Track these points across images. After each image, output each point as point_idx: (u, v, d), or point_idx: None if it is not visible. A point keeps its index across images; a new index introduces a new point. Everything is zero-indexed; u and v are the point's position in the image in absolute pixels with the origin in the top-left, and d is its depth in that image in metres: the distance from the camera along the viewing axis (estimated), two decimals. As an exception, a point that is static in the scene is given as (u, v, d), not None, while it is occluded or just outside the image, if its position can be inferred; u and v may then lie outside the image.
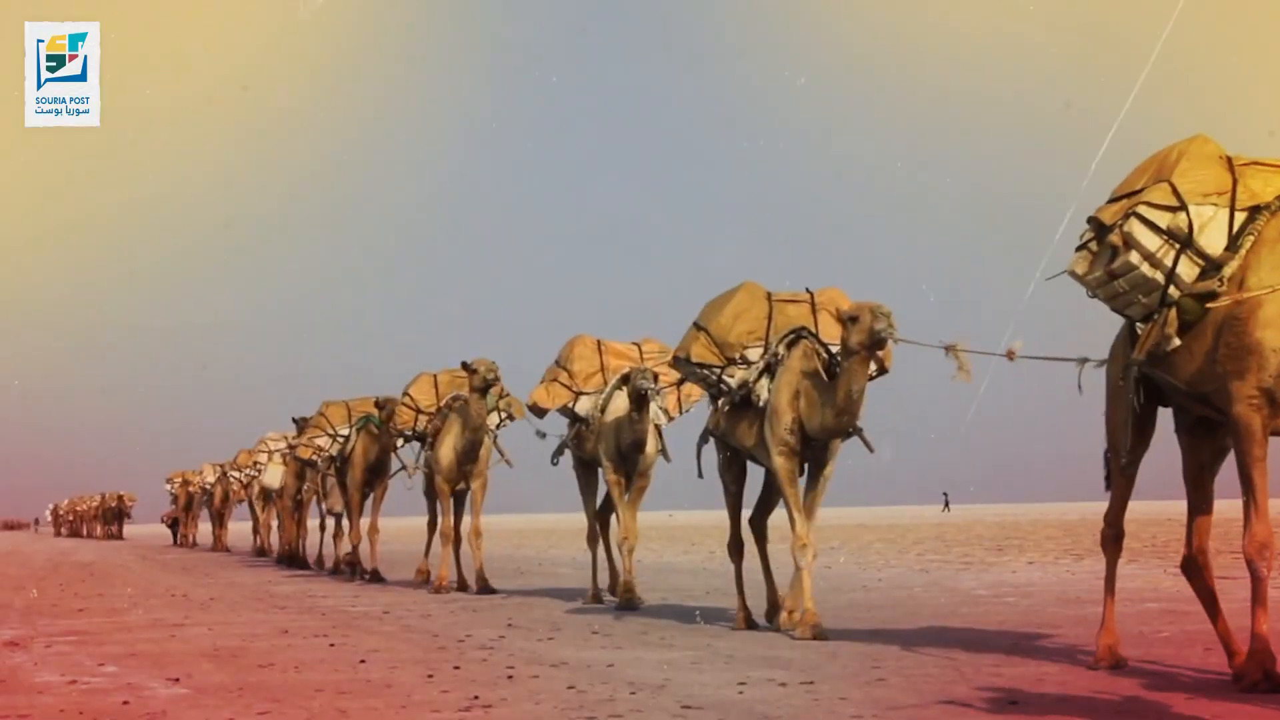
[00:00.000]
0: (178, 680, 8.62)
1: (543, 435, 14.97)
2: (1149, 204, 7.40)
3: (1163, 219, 7.38)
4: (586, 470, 14.75)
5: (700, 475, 11.53)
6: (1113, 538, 8.54)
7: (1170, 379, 7.49)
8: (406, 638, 11.06)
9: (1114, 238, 7.45)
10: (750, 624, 11.09)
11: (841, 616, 11.28)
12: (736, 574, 11.38)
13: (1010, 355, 8.63)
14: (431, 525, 18.38)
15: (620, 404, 13.75)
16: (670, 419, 14.06)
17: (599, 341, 14.49)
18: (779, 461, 10.39)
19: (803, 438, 10.34)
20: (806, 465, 10.59)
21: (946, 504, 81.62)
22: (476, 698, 7.50)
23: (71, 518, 69.83)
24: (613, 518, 14.65)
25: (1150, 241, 7.38)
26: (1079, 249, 7.78)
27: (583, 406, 14.22)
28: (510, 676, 8.39)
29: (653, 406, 13.60)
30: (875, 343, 9.68)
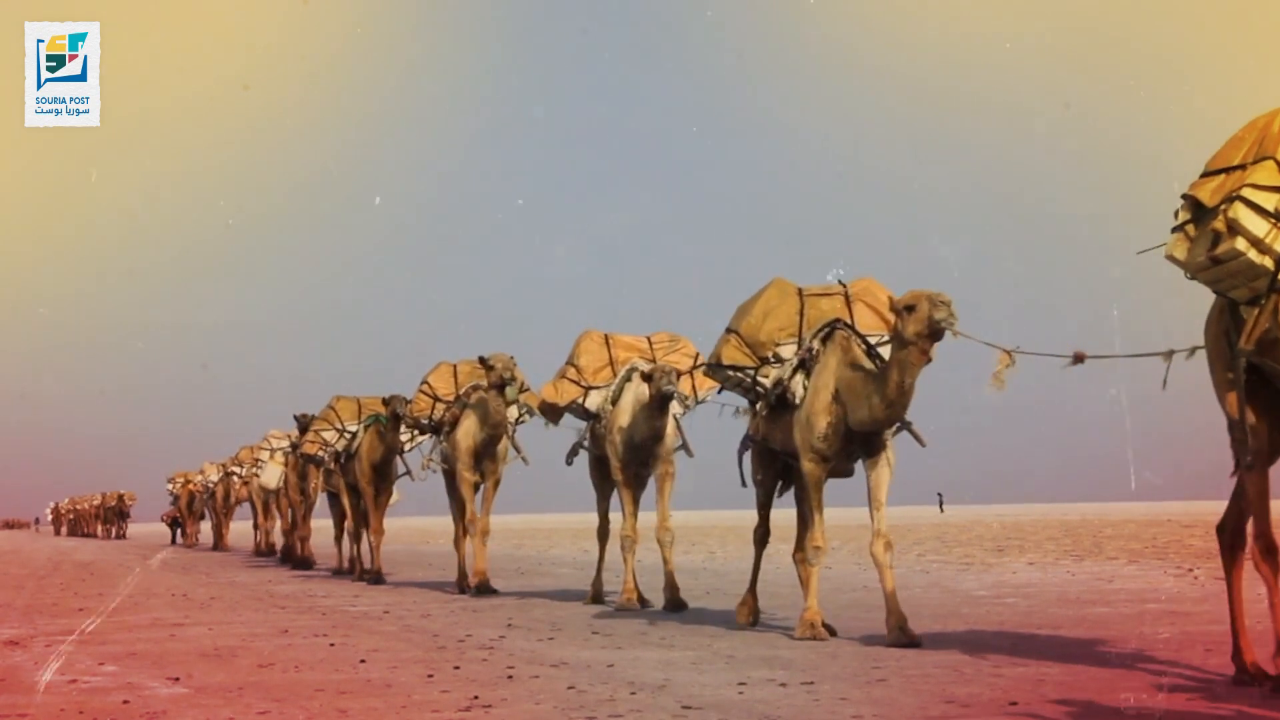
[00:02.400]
0: (178, 680, 8.62)
1: (554, 424, 14.36)
2: (1254, 185, 6.89)
3: (1270, 200, 6.88)
4: (602, 467, 14.23)
5: (744, 485, 11.22)
6: (1265, 549, 7.36)
7: (1275, 365, 6.98)
8: (406, 638, 11.05)
9: (1217, 224, 6.94)
10: (754, 619, 11.02)
11: (842, 616, 11.27)
12: (755, 562, 11.29)
13: (1079, 358, 8.29)
14: (458, 543, 17.37)
15: (631, 399, 13.43)
16: (687, 409, 13.67)
17: (607, 335, 14.17)
18: (808, 467, 10.08)
19: (846, 434, 9.93)
20: (861, 453, 10.12)
21: (941, 504, 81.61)
22: (476, 698, 7.50)
23: (71, 517, 69.86)
24: (619, 519, 14.20)
25: (1257, 226, 6.85)
26: (1175, 230, 7.25)
27: (593, 401, 13.88)
28: (510, 676, 8.38)
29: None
30: (933, 333, 9.18)
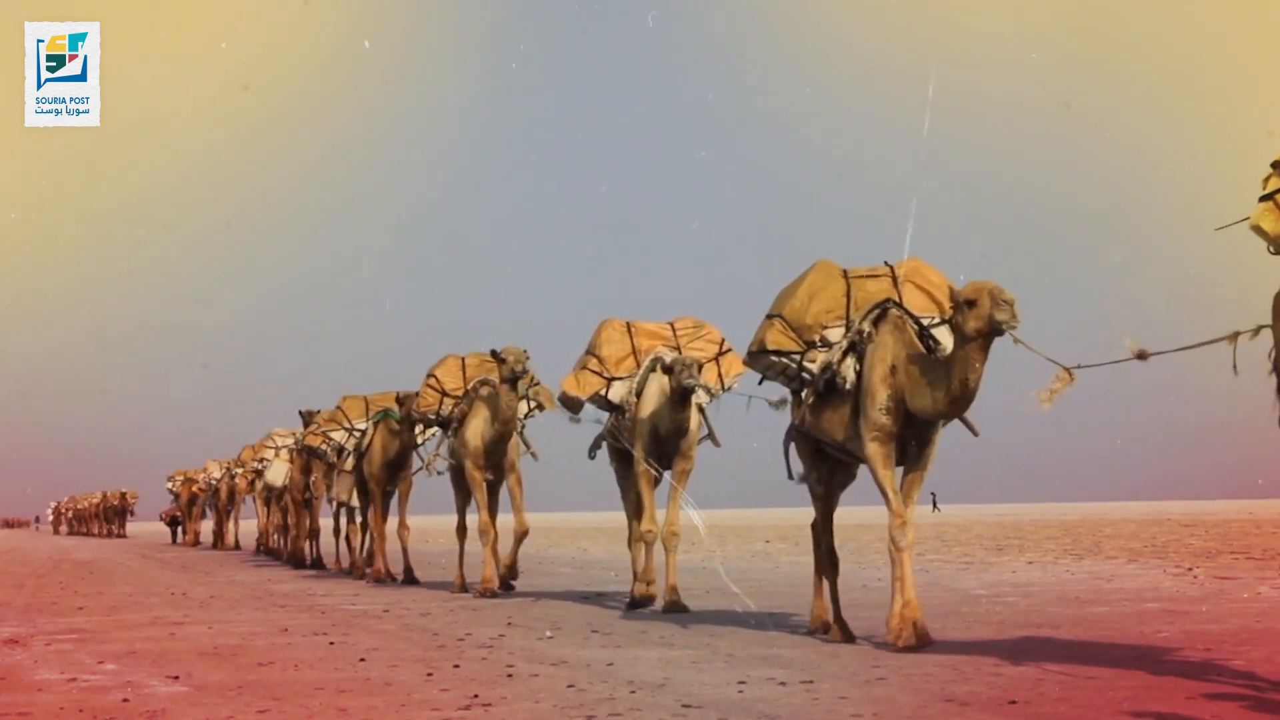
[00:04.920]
0: (177, 678, 8.63)
1: (577, 420, 13.71)
2: None
3: None
4: (625, 464, 13.70)
5: (790, 477, 10.62)
6: None
7: None
8: (406, 636, 11.06)
9: None
10: (848, 637, 10.05)
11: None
12: (831, 587, 10.42)
13: (1143, 356, 7.83)
14: (460, 531, 17.12)
15: (656, 388, 12.95)
16: (713, 397, 13.17)
17: (628, 324, 13.60)
18: (872, 448, 9.36)
19: (905, 417, 9.34)
20: (907, 445, 9.51)
21: (935, 504, 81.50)
22: (476, 696, 7.51)
23: (71, 515, 69.87)
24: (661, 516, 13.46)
25: None
26: (1263, 199, 6.82)
27: (616, 393, 13.34)
28: (510, 675, 8.39)
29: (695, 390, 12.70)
30: (993, 332, 8.69)
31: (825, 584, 10.42)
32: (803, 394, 10.17)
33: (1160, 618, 11.14)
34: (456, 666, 8.87)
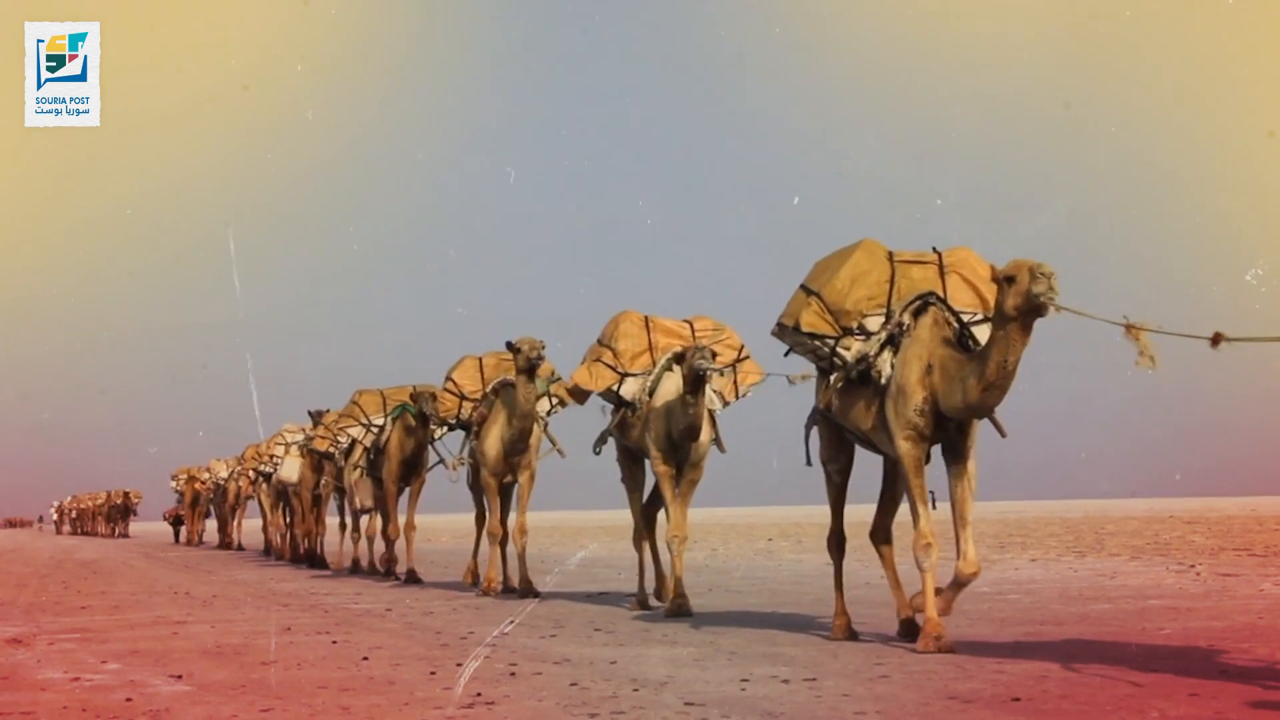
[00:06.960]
0: (180, 677, 8.64)
1: (583, 402, 13.40)
2: None
3: None
4: (631, 462, 13.42)
5: (809, 463, 10.24)
6: None
7: None
8: (409, 635, 11.06)
9: None
10: (851, 633, 9.89)
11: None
12: (836, 574, 10.16)
13: (1216, 340, 7.21)
14: (480, 520, 17.00)
15: (671, 386, 12.58)
16: (726, 404, 12.92)
17: (646, 318, 13.20)
18: (905, 447, 9.04)
19: (936, 419, 9.01)
20: (943, 455, 9.18)
21: (933, 502, 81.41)
22: (479, 695, 7.52)
23: (74, 515, 69.89)
24: (660, 515, 13.37)
25: None
26: None
27: (629, 389, 12.93)
28: (513, 674, 8.39)
29: (707, 390, 12.36)
30: (1032, 308, 8.24)
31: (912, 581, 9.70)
32: (831, 378, 9.74)
33: (1163, 615, 11.15)
34: (459, 665, 8.87)
